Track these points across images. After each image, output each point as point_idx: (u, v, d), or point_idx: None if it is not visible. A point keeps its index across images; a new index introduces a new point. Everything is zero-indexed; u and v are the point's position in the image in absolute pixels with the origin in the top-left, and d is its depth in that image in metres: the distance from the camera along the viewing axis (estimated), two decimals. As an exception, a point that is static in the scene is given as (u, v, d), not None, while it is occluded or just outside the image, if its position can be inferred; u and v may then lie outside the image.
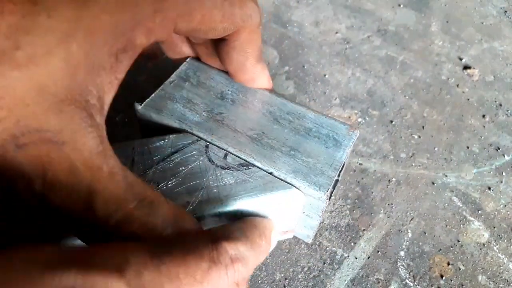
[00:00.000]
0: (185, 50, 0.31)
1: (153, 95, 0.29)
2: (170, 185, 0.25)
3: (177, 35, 0.30)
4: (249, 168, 0.26)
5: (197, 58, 0.32)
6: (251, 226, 0.23)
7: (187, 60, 0.31)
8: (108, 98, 0.20)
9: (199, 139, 0.27)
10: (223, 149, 0.27)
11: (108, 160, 0.19)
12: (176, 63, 0.31)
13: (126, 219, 0.19)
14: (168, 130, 0.27)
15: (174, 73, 0.30)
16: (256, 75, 0.28)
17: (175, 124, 0.27)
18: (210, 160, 0.26)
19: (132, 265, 0.16)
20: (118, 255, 0.17)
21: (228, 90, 0.30)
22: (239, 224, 0.23)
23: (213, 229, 0.22)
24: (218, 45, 0.27)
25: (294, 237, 0.32)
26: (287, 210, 0.27)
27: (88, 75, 0.18)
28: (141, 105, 0.28)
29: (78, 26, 0.17)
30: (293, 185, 0.26)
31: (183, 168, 0.25)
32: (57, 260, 0.16)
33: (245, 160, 0.26)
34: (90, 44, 0.17)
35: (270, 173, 0.26)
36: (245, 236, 0.22)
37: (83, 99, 0.18)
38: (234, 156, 0.27)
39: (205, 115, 0.28)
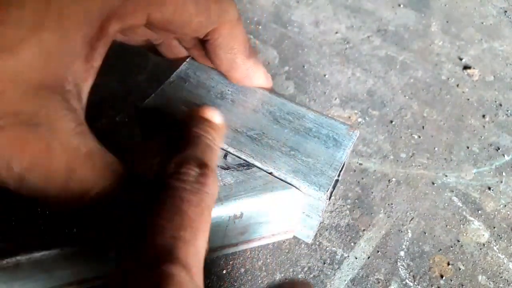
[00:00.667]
0: (182, 51, 0.31)
1: (153, 95, 0.29)
2: None
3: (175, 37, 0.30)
4: (249, 168, 0.26)
5: None
6: (178, 139, 0.23)
7: (187, 60, 0.31)
8: (86, 86, 0.20)
9: None
10: (223, 149, 0.27)
11: (86, 141, 0.19)
12: (176, 63, 0.31)
13: (101, 197, 0.20)
14: (168, 130, 0.27)
15: (174, 73, 0.30)
16: (249, 72, 0.28)
17: (175, 124, 0.27)
18: None
19: None
20: None
21: (228, 90, 0.30)
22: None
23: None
24: (205, 47, 0.27)
25: (294, 237, 0.32)
26: (287, 210, 0.27)
27: (63, 62, 0.19)
28: (141, 105, 0.28)
29: (48, 15, 0.18)
30: (293, 185, 0.26)
31: None
32: None
33: (245, 160, 0.26)
34: (62, 32, 0.18)
35: (270, 173, 0.26)
36: (173, 150, 0.21)
37: (58, 84, 0.18)
38: (234, 156, 0.27)
39: (205, 115, 0.28)
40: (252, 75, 0.29)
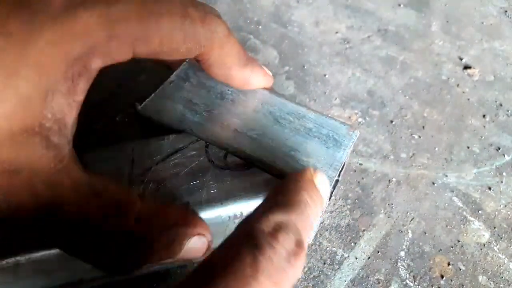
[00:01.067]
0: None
1: (153, 95, 0.29)
2: (170, 185, 0.25)
3: None
4: (248, 168, 0.26)
5: None
6: (282, 189, 0.21)
7: (187, 60, 0.31)
8: (70, 119, 0.20)
9: (198, 139, 0.27)
10: (222, 148, 0.27)
11: (71, 174, 0.20)
12: (176, 64, 0.31)
13: (94, 224, 0.20)
14: (169, 131, 0.27)
15: (174, 73, 0.30)
16: (247, 79, 0.28)
17: (175, 124, 0.27)
18: (209, 160, 0.26)
19: None
20: None
21: (228, 90, 0.30)
22: (268, 194, 0.21)
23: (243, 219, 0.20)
24: (198, 63, 0.27)
25: (294, 237, 0.32)
26: None
27: (42, 101, 0.18)
28: (141, 105, 0.28)
29: (24, 63, 0.17)
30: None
31: (182, 168, 0.25)
32: None
33: (245, 160, 0.26)
34: (40, 76, 0.18)
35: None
36: (277, 202, 0.20)
37: (36, 124, 0.18)
38: (234, 156, 0.27)
39: (205, 115, 0.28)
40: (251, 81, 0.28)
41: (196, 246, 0.23)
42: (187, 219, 0.23)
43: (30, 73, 0.18)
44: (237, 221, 0.26)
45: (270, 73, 0.30)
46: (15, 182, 0.18)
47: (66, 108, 0.19)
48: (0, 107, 0.17)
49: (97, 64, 0.20)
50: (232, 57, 0.26)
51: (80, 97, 0.20)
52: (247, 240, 0.17)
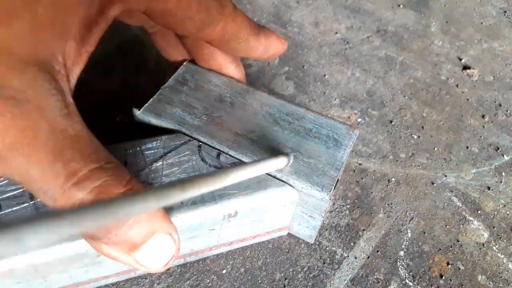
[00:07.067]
0: (177, 42, 0.31)
1: (151, 99, 0.29)
2: None
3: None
4: None
5: (194, 61, 0.32)
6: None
7: (184, 63, 0.31)
8: (76, 69, 0.20)
9: (191, 139, 0.27)
10: (215, 148, 0.27)
11: (74, 124, 0.19)
12: (174, 66, 0.31)
13: (89, 177, 0.19)
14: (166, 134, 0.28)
15: (172, 77, 0.30)
16: (264, 45, 0.28)
17: (174, 128, 0.27)
18: (203, 159, 0.26)
19: None
20: None
21: (227, 92, 0.30)
22: None
23: None
24: (215, 46, 0.27)
25: (294, 237, 0.32)
26: (281, 207, 0.27)
27: (55, 41, 0.18)
28: (139, 110, 0.28)
29: None
30: (295, 187, 0.26)
31: (176, 168, 0.25)
32: None
33: (239, 159, 0.26)
34: (57, 10, 0.18)
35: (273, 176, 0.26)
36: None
37: (47, 63, 0.18)
38: (227, 155, 0.27)
39: (205, 118, 0.28)
40: (268, 49, 0.28)
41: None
42: None
43: (48, 2, 0.17)
44: (231, 220, 0.26)
45: (281, 38, 0.30)
46: (18, 113, 0.17)
47: (76, 57, 0.19)
48: (15, 27, 0.17)
49: (115, 11, 0.20)
50: (245, 28, 0.26)
51: (91, 47, 0.20)
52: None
